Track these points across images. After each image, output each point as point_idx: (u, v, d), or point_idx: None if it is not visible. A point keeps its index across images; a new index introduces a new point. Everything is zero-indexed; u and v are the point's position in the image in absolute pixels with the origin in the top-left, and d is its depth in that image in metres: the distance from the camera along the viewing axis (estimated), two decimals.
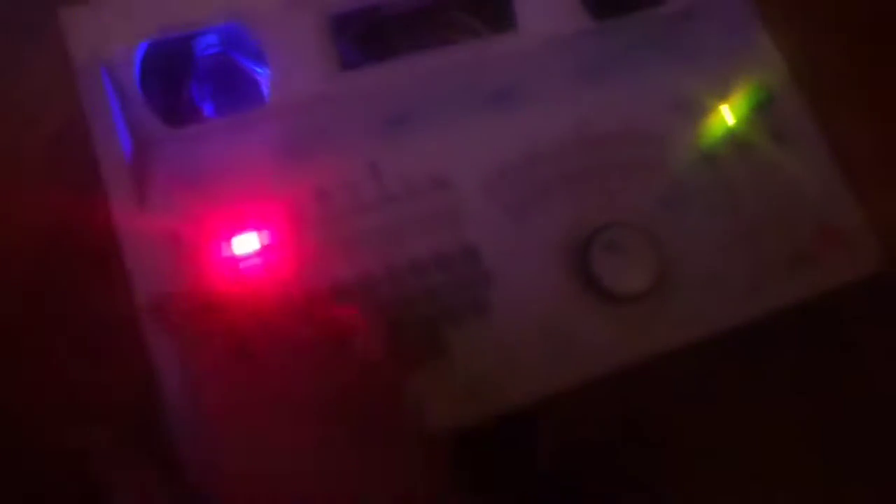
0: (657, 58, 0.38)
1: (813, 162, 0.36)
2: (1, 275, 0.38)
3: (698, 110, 0.37)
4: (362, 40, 0.37)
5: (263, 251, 0.32)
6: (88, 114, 0.32)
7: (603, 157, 0.35)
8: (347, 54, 0.36)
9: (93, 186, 0.32)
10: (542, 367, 0.32)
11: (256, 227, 0.32)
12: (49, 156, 0.39)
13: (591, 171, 0.35)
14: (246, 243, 0.32)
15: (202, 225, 0.32)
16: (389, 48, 0.37)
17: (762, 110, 0.37)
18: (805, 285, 0.35)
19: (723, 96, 0.37)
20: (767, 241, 0.35)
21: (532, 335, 0.32)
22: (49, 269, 0.37)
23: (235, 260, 0.31)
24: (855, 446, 0.38)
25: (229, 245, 0.31)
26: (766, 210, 0.35)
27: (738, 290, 0.34)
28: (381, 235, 0.32)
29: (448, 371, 0.31)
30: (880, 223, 0.37)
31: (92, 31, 0.33)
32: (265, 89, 0.36)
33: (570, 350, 0.32)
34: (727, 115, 0.37)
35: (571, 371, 0.32)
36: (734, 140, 0.36)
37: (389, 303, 0.31)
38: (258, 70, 0.36)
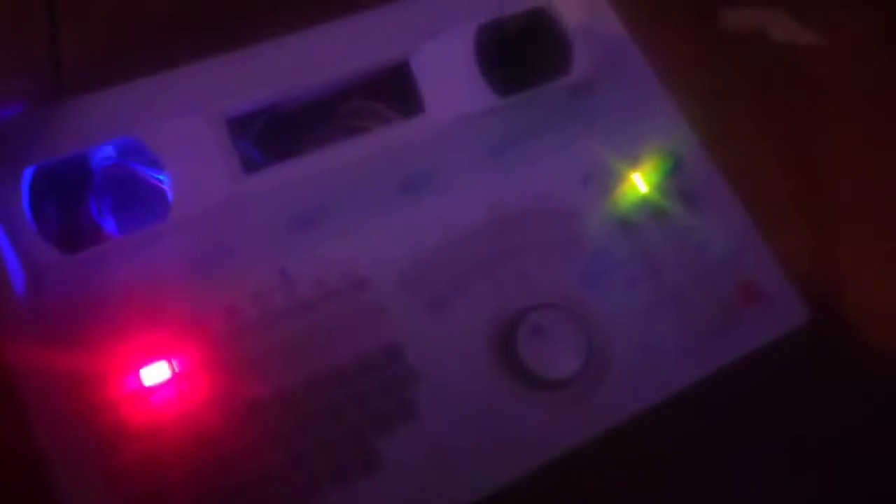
0: (564, 130, 0.38)
1: (726, 221, 0.37)
2: None
3: (609, 180, 0.37)
4: (265, 140, 0.36)
5: (174, 379, 0.30)
6: None
7: (519, 238, 0.35)
8: (251, 157, 0.35)
9: None
10: (480, 465, 0.31)
11: (166, 355, 0.30)
12: None
13: (509, 253, 0.34)
14: (155, 373, 0.30)
15: (107, 357, 0.30)
16: (295, 145, 0.36)
17: (672, 175, 0.37)
18: (734, 345, 0.34)
19: (632, 164, 0.37)
20: (692, 306, 0.35)
21: (465, 433, 0.31)
22: None
23: (145, 392, 0.30)
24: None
25: (137, 377, 0.30)
26: (687, 274, 0.35)
27: (670, 359, 0.33)
28: (296, 345, 0.31)
29: (383, 484, 0.30)
30: (801, 271, 0.37)
31: None
32: (169, 196, 0.35)
33: (507, 443, 0.31)
34: (638, 182, 0.37)
35: (512, 465, 0.31)
36: (648, 207, 0.36)
37: (313, 417, 0.30)
38: (161, 178, 0.35)
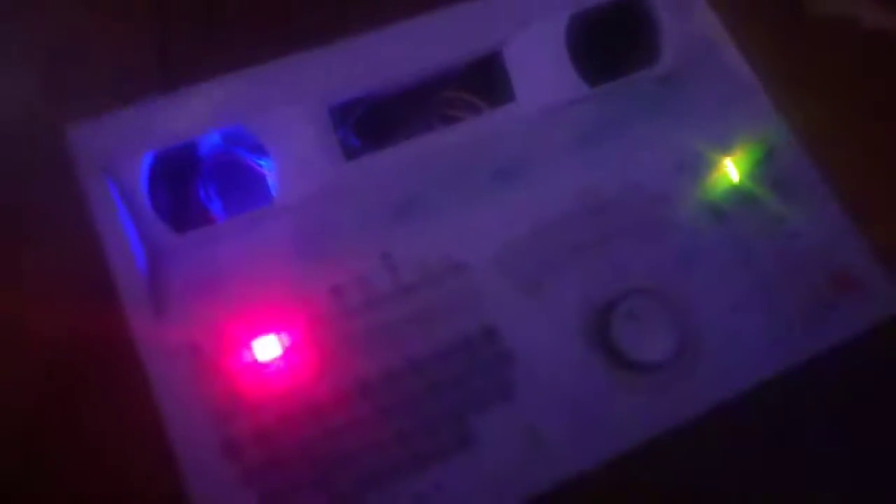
0: (654, 119, 0.38)
1: (818, 210, 0.36)
2: (16, 390, 0.38)
3: (700, 168, 0.37)
4: (363, 128, 0.37)
5: (285, 354, 0.31)
6: (99, 229, 0.33)
7: (612, 224, 0.35)
8: (350, 144, 0.37)
9: (106, 300, 0.32)
10: (571, 446, 0.32)
11: (275, 330, 0.32)
12: (57, 272, 0.39)
13: (601, 238, 0.35)
14: (267, 347, 0.31)
15: (221, 332, 0.32)
16: (391, 133, 0.38)
17: (764, 164, 0.37)
18: (827, 334, 0.34)
19: (724, 153, 0.37)
20: (783, 294, 0.35)
21: (559, 414, 0.32)
22: (67, 385, 0.37)
23: (258, 366, 0.31)
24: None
25: (250, 351, 0.31)
26: (778, 263, 0.35)
27: (761, 347, 0.34)
28: (399, 326, 0.32)
29: (478, 461, 0.31)
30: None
31: (98, 146, 0.33)
32: (271, 183, 0.36)
33: (599, 425, 0.32)
34: (730, 171, 0.37)
35: (602, 446, 0.32)
36: (739, 195, 0.36)
37: (414, 396, 0.31)
38: (263, 164, 0.37)
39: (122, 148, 0.34)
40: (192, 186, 0.37)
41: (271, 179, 0.36)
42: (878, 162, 0.43)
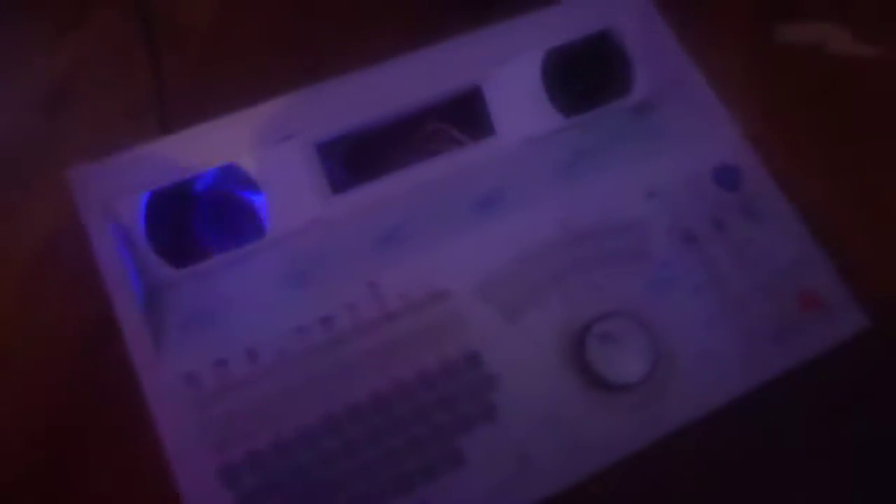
0: (628, 148, 0.40)
1: (786, 233, 0.38)
2: (21, 429, 0.39)
3: (672, 195, 0.39)
4: (350, 162, 0.39)
5: (280, 382, 0.33)
6: (100, 266, 0.34)
7: (588, 251, 0.37)
8: (337, 178, 0.39)
9: (110, 335, 0.34)
10: (554, 465, 0.33)
11: (271, 359, 0.33)
12: (60, 308, 0.41)
13: (579, 265, 0.37)
14: (263, 377, 0.33)
15: (218, 361, 0.33)
16: (377, 167, 0.39)
17: (733, 189, 0.39)
18: (795, 351, 0.36)
19: (694, 179, 0.39)
20: (753, 313, 0.36)
21: (540, 434, 0.34)
22: (73, 423, 0.39)
23: (253, 394, 0.33)
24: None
25: (247, 379, 0.33)
26: (748, 283, 0.37)
27: (732, 365, 0.35)
28: (386, 353, 0.34)
29: (467, 479, 0.33)
30: (860, 279, 0.38)
31: (98, 188, 0.35)
32: (263, 217, 0.38)
33: (579, 444, 0.34)
34: (700, 196, 0.39)
35: (584, 463, 0.34)
36: (709, 220, 0.38)
37: (403, 418, 0.33)
38: (255, 199, 0.39)
39: (120, 189, 0.36)
40: (189, 222, 0.39)
41: (263, 214, 0.38)
42: (843, 184, 0.44)
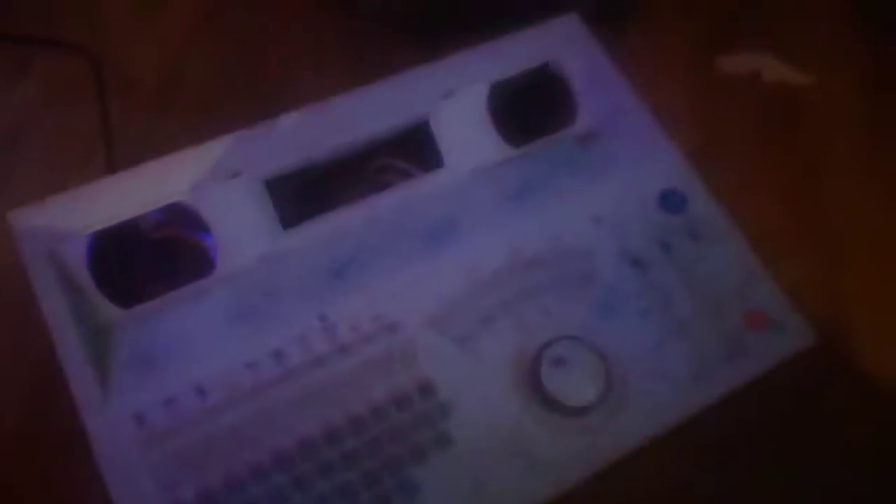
0: (574, 176, 0.41)
1: (729, 253, 0.39)
2: None
3: (618, 220, 0.39)
4: (300, 198, 0.39)
5: (228, 416, 0.33)
6: (44, 309, 0.34)
7: (538, 278, 0.37)
8: (287, 214, 0.39)
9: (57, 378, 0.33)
10: (510, 490, 0.33)
11: (221, 394, 0.33)
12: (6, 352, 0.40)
13: (529, 291, 0.37)
14: (212, 412, 0.33)
15: (166, 400, 0.33)
16: (327, 201, 0.40)
17: (677, 213, 0.40)
18: (743, 370, 0.37)
19: (639, 204, 0.40)
20: (702, 334, 0.37)
21: (497, 460, 0.33)
22: (18, 464, 0.37)
23: (203, 430, 0.32)
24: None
25: (196, 416, 0.32)
26: (695, 304, 0.38)
27: (683, 385, 0.36)
28: (338, 386, 0.34)
29: None
30: (805, 297, 0.39)
31: (42, 230, 0.35)
32: (213, 255, 0.38)
33: (535, 468, 0.33)
34: (645, 221, 0.39)
35: (540, 488, 0.33)
36: (656, 243, 0.39)
37: (356, 451, 0.33)
38: (203, 237, 0.38)
39: (65, 230, 0.35)
40: (136, 262, 0.38)
41: (212, 252, 0.38)
42: (784, 204, 0.46)
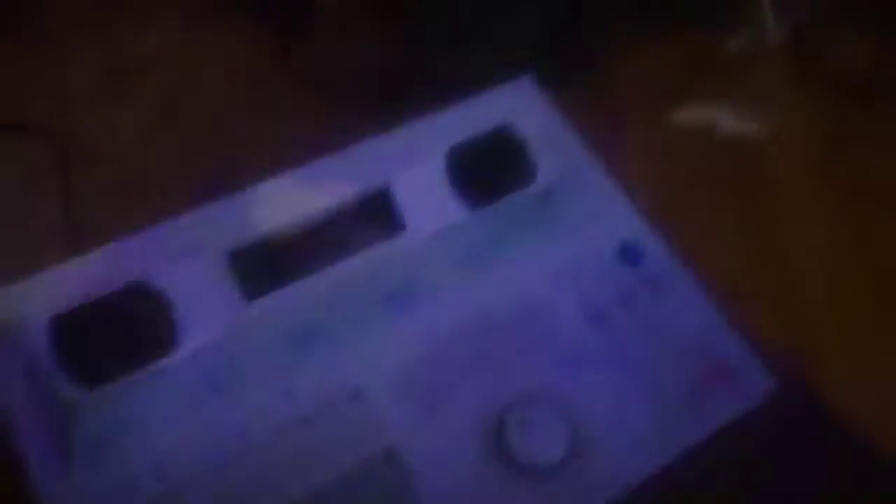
0: (533, 234, 0.42)
1: (689, 303, 0.40)
2: None
3: (578, 276, 0.40)
4: (263, 269, 0.40)
5: None
6: (4, 400, 0.34)
7: (500, 337, 0.38)
8: (250, 286, 0.39)
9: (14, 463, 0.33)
10: None
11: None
12: None
13: (491, 352, 0.37)
14: None
15: (130, 481, 0.33)
16: (291, 270, 0.40)
17: (635, 266, 0.40)
18: (706, 420, 0.37)
19: (597, 260, 0.41)
20: (664, 387, 0.37)
21: None
22: None
23: None
24: None
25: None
26: (657, 358, 0.38)
27: (647, 439, 0.36)
28: (303, 458, 0.34)
29: None
30: (767, 345, 0.40)
31: (3, 311, 0.35)
32: (176, 330, 0.38)
33: None
34: (604, 275, 0.40)
35: None
36: (616, 297, 0.40)
37: None
38: (166, 313, 0.39)
39: (27, 314, 0.35)
40: (99, 342, 0.38)
41: (176, 328, 0.38)
42: (742, 253, 0.47)
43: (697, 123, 0.54)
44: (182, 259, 0.38)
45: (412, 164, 0.42)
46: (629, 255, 0.41)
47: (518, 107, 0.45)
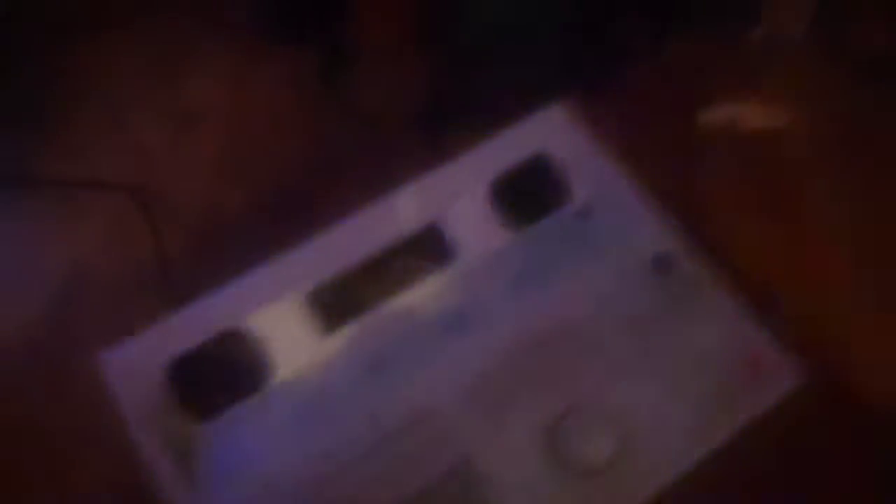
0: (574, 252, 0.46)
1: (721, 305, 0.44)
2: None
3: (616, 290, 0.44)
4: (336, 304, 0.45)
5: None
6: (134, 434, 0.40)
7: (548, 353, 0.43)
8: (326, 321, 0.45)
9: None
10: None
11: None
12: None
13: (542, 366, 0.42)
14: None
15: None
16: (359, 305, 0.46)
17: (668, 275, 0.45)
18: (745, 411, 0.41)
19: (633, 271, 0.45)
20: (702, 386, 0.42)
21: None
22: None
23: None
24: None
25: None
26: (694, 360, 0.42)
27: (686, 436, 0.40)
28: (388, 473, 0.40)
29: None
30: (799, 338, 0.44)
31: (125, 366, 0.41)
32: (269, 367, 0.44)
33: None
34: (641, 286, 0.44)
35: None
36: (652, 306, 0.44)
37: None
38: (260, 351, 0.45)
39: (144, 364, 0.42)
40: (206, 380, 0.44)
41: (268, 364, 0.44)
42: (772, 250, 0.50)
43: (722, 120, 0.57)
44: (266, 302, 0.44)
45: (459, 196, 0.47)
46: (662, 264, 0.45)
47: (551, 133, 0.49)
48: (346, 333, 0.44)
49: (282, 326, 0.44)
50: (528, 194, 0.49)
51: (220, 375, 0.44)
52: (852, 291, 0.49)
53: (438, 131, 0.56)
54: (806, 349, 0.43)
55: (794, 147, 0.55)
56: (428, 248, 0.47)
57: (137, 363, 0.42)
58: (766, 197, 0.53)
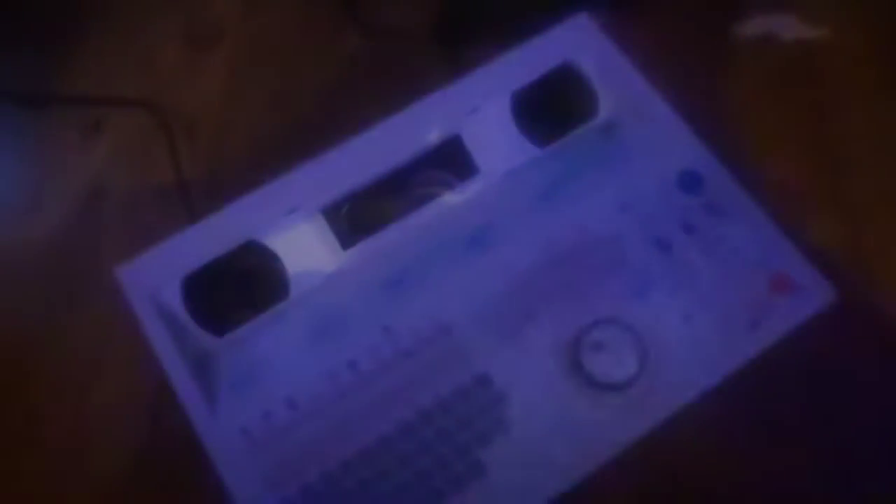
0: (598, 167, 0.45)
1: (749, 223, 0.42)
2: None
3: (642, 205, 0.43)
4: (354, 219, 0.44)
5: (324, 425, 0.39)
6: (153, 347, 0.40)
7: (572, 269, 0.42)
8: (344, 235, 0.44)
9: (169, 404, 0.40)
10: (565, 463, 0.38)
11: (310, 402, 0.39)
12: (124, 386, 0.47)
13: (565, 282, 0.41)
14: (304, 423, 0.39)
15: (265, 413, 0.39)
16: (379, 218, 0.45)
17: (697, 192, 0.43)
18: (770, 333, 0.40)
19: (661, 188, 0.43)
20: (728, 304, 0.41)
21: (551, 438, 0.38)
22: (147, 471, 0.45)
23: (299, 438, 0.38)
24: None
25: (292, 427, 0.39)
26: (721, 277, 0.41)
27: (712, 353, 0.40)
28: (406, 386, 0.39)
29: (490, 486, 0.38)
30: (829, 257, 0.42)
31: (143, 278, 0.41)
32: (285, 280, 0.43)
33: (585, 441, 0.38)
34: (668, 203, 0.43)
35: (591, 458, 0.38)
36: (679, 224, 0.42)
37: (428, 441, 0.38)
38: (276, 266, 0.44)
39: (161, 277, 0.41)
40: (223, 295, 0.44)
41: (285, 278, 0.43)
42: (803, 168, 0.48)
43: (758, 32, 0.54)
44: (283, 218, 0.43)
45: (479, 110, 0.45)
46: (690, 181, 0.44)
47: (577, 44, 0.47)
48: (365, 248, 0.43)
49: (299, 240, 0.43)
50: (553, 107, 0.47)
51: (237, 289, 0.43)
52: (886, 210, 0.47)
53: (459, 45, 0.54)
54: (835, 269, 0.42)
55: (829, 59, 0.53)
56: (449, 161, 0.45)
57: (156, 276, 0.41)
58: (800, 112, 0.51)
